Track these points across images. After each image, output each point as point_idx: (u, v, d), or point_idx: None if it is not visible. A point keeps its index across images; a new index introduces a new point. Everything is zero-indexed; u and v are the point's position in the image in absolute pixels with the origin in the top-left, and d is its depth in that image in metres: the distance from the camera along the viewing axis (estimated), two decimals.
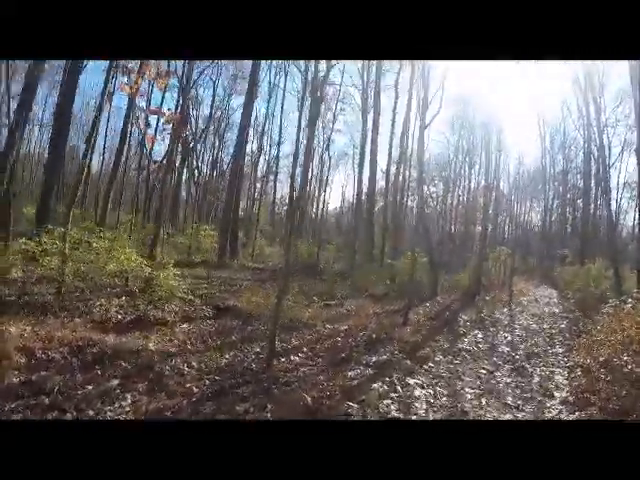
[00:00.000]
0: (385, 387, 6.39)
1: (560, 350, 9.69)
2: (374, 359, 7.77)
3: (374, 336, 9.19)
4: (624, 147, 37.38)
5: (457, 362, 8.16)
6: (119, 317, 8.52)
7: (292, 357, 7.60)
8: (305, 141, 28.74)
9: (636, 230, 37.63)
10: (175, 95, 30.59)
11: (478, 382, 7.12)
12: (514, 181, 44.19)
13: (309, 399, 5.65)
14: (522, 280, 25.51)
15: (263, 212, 39.89)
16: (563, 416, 5.88)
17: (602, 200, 34.48)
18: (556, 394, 6.80)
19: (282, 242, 26.98)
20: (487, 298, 17.00)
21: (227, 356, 7.40)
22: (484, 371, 7.76)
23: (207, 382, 6.18)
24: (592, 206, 36.39)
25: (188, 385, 6.00)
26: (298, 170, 28.72)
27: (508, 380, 7.39)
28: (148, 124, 22.21)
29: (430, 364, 7.82)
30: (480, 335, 10.79)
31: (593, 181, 35.51)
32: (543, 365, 8.49)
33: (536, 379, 7.56)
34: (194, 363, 6.83)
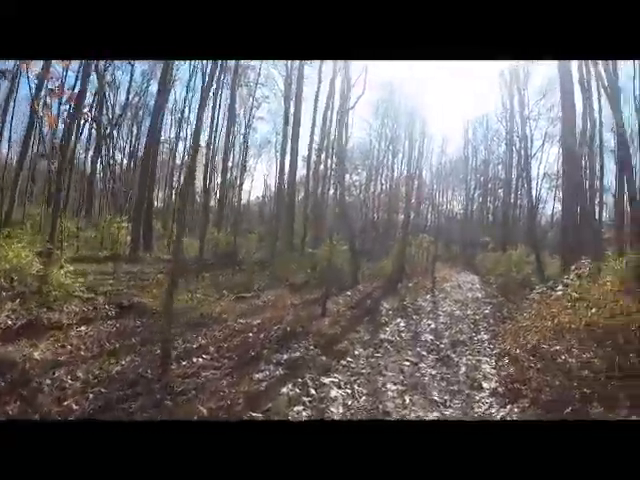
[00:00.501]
0: (297, 390, 5.58)
1: (485, 337, 9.22)
2: (286, 357, 6.93)
3: (289, 330, 8.36)
4: (545, 139, 38.52)
5: (378, 355, 7.46)
6: (9, 322, 7.42)
7: (195, 359, 6.59)
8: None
9: (555, 218, 39.44)
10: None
11: (401, 376, 6.43)
12: (437, 170, 44.52)
13: (204, 411, 4.75)
14: (445, 267, 25.47)
15: (182, 202, 38.00)
16: (493, 411, 5.32)
17: (523, 190, 35.37)
18: (485, 385, 6.25)
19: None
20: (410, 285, 16.54)
21: (123, 362, 6.36)
22: (407, 363, 7.10)
23: (91, 396, 5.15)
24: (512, 196, 37.17)
25: (67, 402, 4.95)
26: (218, 158, 27.70)
27: (433, 372, 6.76)
28: (46, 105, 20.26)
29: (348, 359, 7.05)
30: (403, 324, 10.16)
31: (514, 171, 36.19)
32: (469, 353, 7.95)
33: (462, 369, 6.98)
34: (80, 374, 5.73)
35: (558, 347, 6.36)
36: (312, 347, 7.45)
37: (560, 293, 7.70)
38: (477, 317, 11.39)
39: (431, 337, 9.07)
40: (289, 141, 25.75)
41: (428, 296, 14.96)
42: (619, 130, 15.38)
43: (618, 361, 5.75)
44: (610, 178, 26.77)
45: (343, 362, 6.84)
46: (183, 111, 35.39)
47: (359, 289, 14.91)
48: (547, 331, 6.90)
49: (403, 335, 9.05)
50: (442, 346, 8.39)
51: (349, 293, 13.88)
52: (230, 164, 35.87)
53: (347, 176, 37.53)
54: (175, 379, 5.70)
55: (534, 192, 22.16)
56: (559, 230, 20.06)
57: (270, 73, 32.93)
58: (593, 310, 6.41)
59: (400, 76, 32.43)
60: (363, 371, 6.54)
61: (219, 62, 28.04)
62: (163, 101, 23.91)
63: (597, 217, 21.96)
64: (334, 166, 30.73)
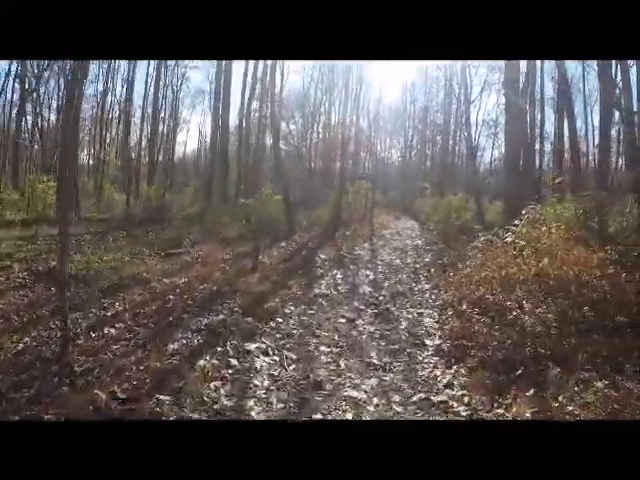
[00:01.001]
0: (215, 361, 4.82)
1: (427, 286, 8.75)
2: (206, 321, 6.12)
3: (215, 289, 7.58)
4: (484, 87, 38.20)
5: (311, 312, 6.80)
6: None
7: (106, 330, 5.68)
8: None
9: (493, 165, 39.70)
10: None
11: (336, 336, 5.82)
12: (374, 118, 43.66)
13: (103, 397, 3.88)
14: (383, 213, 25.05)
15: (114, 157, 35.87)
16: (438, 373, 4.80)
17: (461, 136, 35.95)
18: (427, 342, 5.78)
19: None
20: (347, 233, 15.87)
21: (27, 339, 5.34)
22: (343, 320, 6.49)
23: None
24: (451, 142, 36.93)
25: None
26: (150, 110, 26.07)
27: (371, 329, 6.19)
28: None
29: (278, 319, 6.34)
30: (339, 275, 9.53)
31: (453, 118, 35.82)
32: (410, 306, 7.46)
33: (403, 325, 6.46)
34: None
35: (507, 302, 5.87)
36: (237, 309, 6.64)
37: (508, 240, 7.15)
38: (417, 266, 10.88)
39: (369, 289, 8.51)
40: (221, 90, 24.27)
41: (366, 244, 14.37)
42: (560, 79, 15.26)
43: (572, 315, 5.31)
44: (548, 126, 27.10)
45: (272, 324, 6.13)
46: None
47: (295, 239, 14.13)
48: (494, 282, 6.39)
49: (340, 288, 8.42)
50: (381, 298, 7.86)
51: (284, 244, 13.06)
52: (163, 115, 34.19)
53: (283, 124, 36.52)
54: (77, 358, 4.76)
55: (474, 138, 22.03)
56: (501, 176, 19.97)
57: None
58: (545, 260, 5.88)
59: None
60: (294, 332, 5.89)
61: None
62: None
63: (538, 165, 21.85)
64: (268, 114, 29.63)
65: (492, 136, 40.21)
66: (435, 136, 41.99)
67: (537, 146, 23.19)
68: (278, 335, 5.72)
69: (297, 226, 16.43)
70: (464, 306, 6.55)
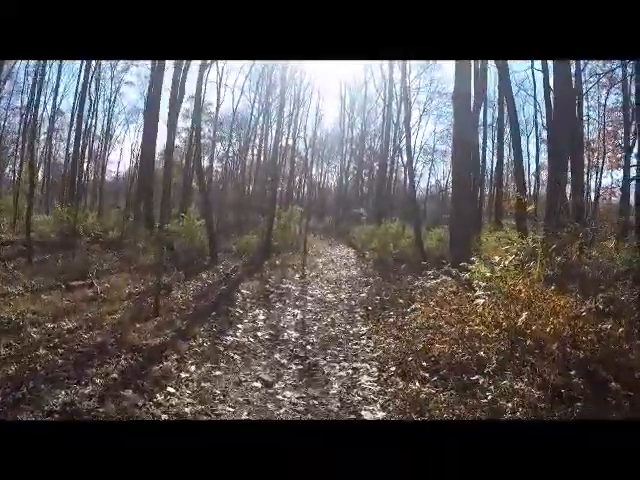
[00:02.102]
0: None
1: (364, 329, 7.46)
2: (64, 399, 4.20)
3: (99, 340, 5.84)
4: (422, 114, 39.21)
5: (218, 373, 5.23)
6: None
7: None
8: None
9: (429, 192, 40.72)
10: None
11: (245, 412, 4.30)
12: (310, 142, 42.80)
13: None
14: (317, 240, 24.09)
15: (32, 175, 33.18)
16: None
17: (399, 161, 35.41)
18: (366, 415, 4.35)
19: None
20: (277, 262, 14.47)
21: None
22: (258, 384, 5.00)
23: None
24: (388, 169, 36.33)
25: None
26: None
27: (294, 397, 4.72)
28: None
29: (170, 389, 4.66)
30: (262, 317, 8.02)
31: (391, 144, 35.21)
32: (343, 358, 6.09)
33: (335, 387, 5.08)
34: None
35: (470, 364, 4.60)
36: (115, 374, 4.85)
37: (466, 281, 5.93)
38: (353, 303, 9.53)
39: (296, 334, 7.07)
40: (154, 108, 22.61)
41: (297, 275, 12.98)
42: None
43: (553, 381, 4.09)
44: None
45: (159, 397, 4.45)
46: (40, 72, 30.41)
47: (218, 270, 12.50)
48: (449, 336, 5.12)
49: (259, 334, 6.90)
50: (309, 348, 6.46)
51: (204, 276, 11.45)
52: (97, 132, 32.83)
53: (218, 145, 35.27)
54: None
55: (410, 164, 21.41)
56: (438, 202, 19.58)
57: None
58: (522, 314, 4.60)
59: None
60: (186, 410, 4.23)
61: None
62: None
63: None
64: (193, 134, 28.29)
65: (429, 162, 40.79)
66: (372, 162, 41.57)
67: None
68: (164, 416, 4.10)
69: (225, 254, 15.21)
70: (411, 362, 5.29)
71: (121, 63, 30.34)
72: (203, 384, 4.85)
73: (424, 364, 5.21)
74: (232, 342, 6.38)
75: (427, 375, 4.97)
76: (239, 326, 7.23)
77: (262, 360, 5.81)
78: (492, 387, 4.16)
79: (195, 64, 17.85)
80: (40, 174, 32.26)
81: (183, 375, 5.02)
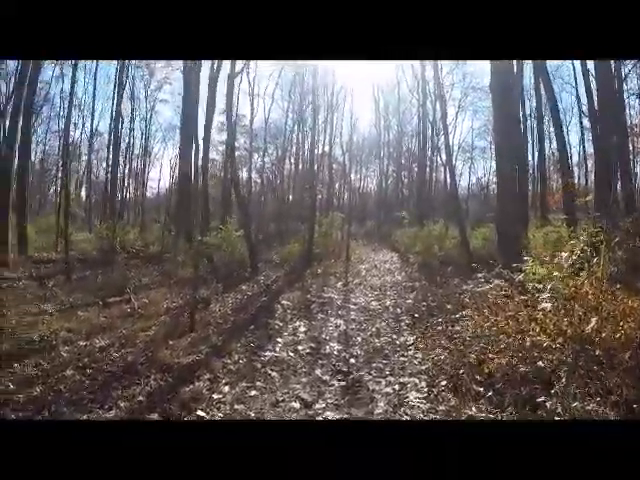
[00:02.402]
0: None
1: (410, 339, 6.97)
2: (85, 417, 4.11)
3: (130, 359, 5.65)
4: (458, 111, 38.33)
5: (253, 394, 4.84)
6: None
7: None
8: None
9: (470, 190, 39.66)
10: None
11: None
12: (347, 147, 42.32)
13: None
14: (360, 246, 23.79)
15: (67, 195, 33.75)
16: None
17: (438, 161, 35.17)
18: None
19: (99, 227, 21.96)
20: (319, 271, 14.10)
21: None
22: (297, 404, 4.62)
23: None
24: (427, 169, 35.66)
25: None
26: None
27: (335, 418, 4.32)
28: None
29: (199, 412, 4.31)
30: (302, 329, 7.64)
31: (429, 144, 34.55)
32: (389, 372, 5.62)
33: (381, 406, 4.61)
34: None
35: (534, 381, 4.12)
36: (141, 397, 4.58)
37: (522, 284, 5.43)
38: (398, 310, 9.02)
39: (338, 347, 6.67)
40: (188, 123, 22.60)
41: (339, 283, 12.56)
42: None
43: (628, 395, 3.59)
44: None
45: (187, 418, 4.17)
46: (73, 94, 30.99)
47: (258, 281, 12.21)
48: (507, 347, 4.64)
49: (300, 348, 6.53)
50: (352, 361, 6.03)
51: (244, 287, 11.19)
52: (135, 150, 33.95)
53: (255, 156, 35.28)
54: None
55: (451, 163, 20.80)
56: (481, 200, 18.98)
57: None
58: (591, 320, 4.03)
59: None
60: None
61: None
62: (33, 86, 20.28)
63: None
64: (228, 147, 28.23)
65: (468, 160, 39.71)
66: (411, 163, 40.85)
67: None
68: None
69: (266, 264, 15.01)
70: (463, 376, 4.85)
71: (154, 82, 30.80)
72: (237, 406, 4.48)
73: (477, 378, 4.75)
74: (270, 358, 6.01)
75: (481, 390, 4.52)
76: (278, 340, 6.87)
77: (302, 377, 5.43)
78: (559, 408, 3.67)
79: (224, 75, 17.79)
80: (83, 193, 33.00)
81: (215, 397, 4.67)
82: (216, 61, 18.22)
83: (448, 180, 22.82)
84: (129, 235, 20.10)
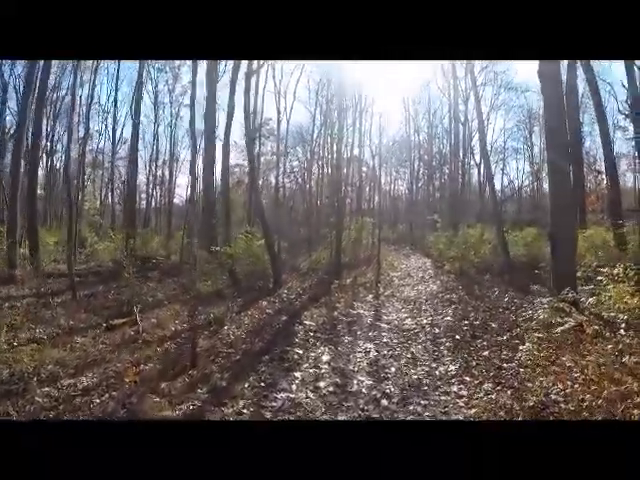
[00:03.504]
0: None
1: (452, 369, 6.01)
2: None
3: (109, 409, 4.70)
4: (489, 111, 36.06)
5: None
6: None
7: None
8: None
9: (504, 192, 37.32)
10: None
11: None
12: (376, 149, 41.36)
13: None
14: (392, 250, 23.28)
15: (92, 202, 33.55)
16: None
17: (470, 163, 33.75)
18: None
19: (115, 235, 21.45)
20: (347, 282, 13.09)
21: None
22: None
23: None
24: (460, 171, 34.44)
25: None
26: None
27: None
28: None
29: None
30: (325, 357, 6.61)
31: (460, 145, 33.33)
32: (429, 418, 4.57)
33: None
34: None
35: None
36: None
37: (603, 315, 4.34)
38: (436, 330, 7.96)
39: (368, 381, 5.63)
40: (210, 128, 22.01)
41: (370, 295, 11.56)
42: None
43: None
44: None
45: None
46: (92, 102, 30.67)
47: (281, 295, 11.22)
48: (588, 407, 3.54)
49: (321, 385, 5.50)
50: (385, 402, 4.99)
51: (264, 303, 10.19)
52: (161, 157, 33.27)
53: (283, 160, 34.59)
54: None
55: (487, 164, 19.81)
56: (524, 202, 18.29)
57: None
58: None
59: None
60: None
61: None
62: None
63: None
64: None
65: (501, 162, 38.26)
66: (442, 165, 39.64)
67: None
68: None
69: (291, 274, 14.23)
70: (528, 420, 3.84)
71: (178, 87, 30.37)
72: None
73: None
74: (283, 403, 4.93)
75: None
76: (296, 375, 5.82)
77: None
78: None
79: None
80: (109, 202, 32.77)
81: None
82: (234, 63, 17.47)
83: (482, 182, 22.05)
84: (151, 244, 19.54)
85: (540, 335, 5.21)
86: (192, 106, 16.06)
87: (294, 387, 5.42)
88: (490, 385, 5.04)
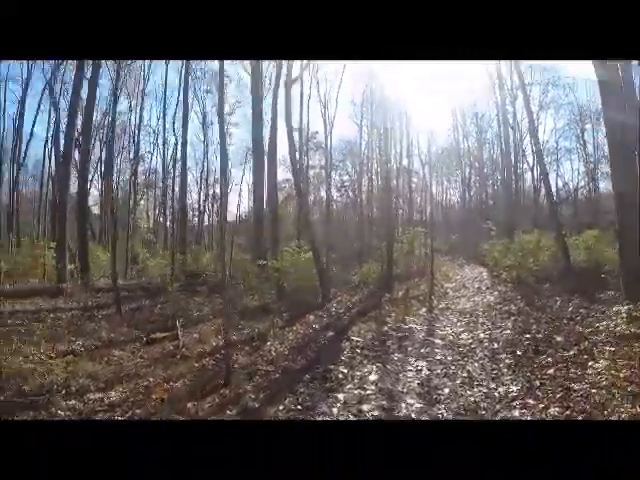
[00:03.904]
0: None
1: (514, 390, 5.31)
2: None
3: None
4: (539, 110, 34.66)
5: None
6: None
7: None
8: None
9: (559, 194, 35.91)
10: None
11: None
12: (426, 159, 40.70)
13: None
14: (445, 261, 22.78)
15: (145, 218, 34.26)
16: None
17: (522, 167, 32.82)
18: None
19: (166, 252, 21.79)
20: (399, 295, 12.55)
21: None
22: None
23: None
24: (513, 176, 33.36)
25: None
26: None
27: None
28: None
29: None
30: (372, 377, 6.07)
31: (512, 148, 32.29)
32: None
33: None
34: None
35: None
36: None
37: None
38: (495, 346, 7.32)
39: (418, 404, 5.09)
40: (258, 144, 21.94)
41: (423, 309, 10.98)
42: None
43: None
44: None
45: None
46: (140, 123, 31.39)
47: (329, 310, 10.82)
48: None
49: (364, 408, 4.98)
50: None
51: (312, 318, 9.80)
52: (212, 176, 33.46)
53: (334, 174, 34.53)
54: None
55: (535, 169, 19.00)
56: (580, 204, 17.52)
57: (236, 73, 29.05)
58: None
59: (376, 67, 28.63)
60: None
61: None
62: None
63: None
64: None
65: (554, 163, 36.82)
66: (494, 171, 38.62)
67: None
68: None
69: (342, 288, 13.94)
70: None
71: (226, 107, 30.73)
72: None
73: None
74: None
75: None
76: (339, 396, 5.32)
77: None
78: None
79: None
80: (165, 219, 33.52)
81: None
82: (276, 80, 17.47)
83: (536, 185, 21.33)
84: (202, 260, 19.71)
85: (613, 349, 4.61)
86: (221, 123, 15.77)
87: (335, 410, 4.95)
88: (557, 409, 4.43)
